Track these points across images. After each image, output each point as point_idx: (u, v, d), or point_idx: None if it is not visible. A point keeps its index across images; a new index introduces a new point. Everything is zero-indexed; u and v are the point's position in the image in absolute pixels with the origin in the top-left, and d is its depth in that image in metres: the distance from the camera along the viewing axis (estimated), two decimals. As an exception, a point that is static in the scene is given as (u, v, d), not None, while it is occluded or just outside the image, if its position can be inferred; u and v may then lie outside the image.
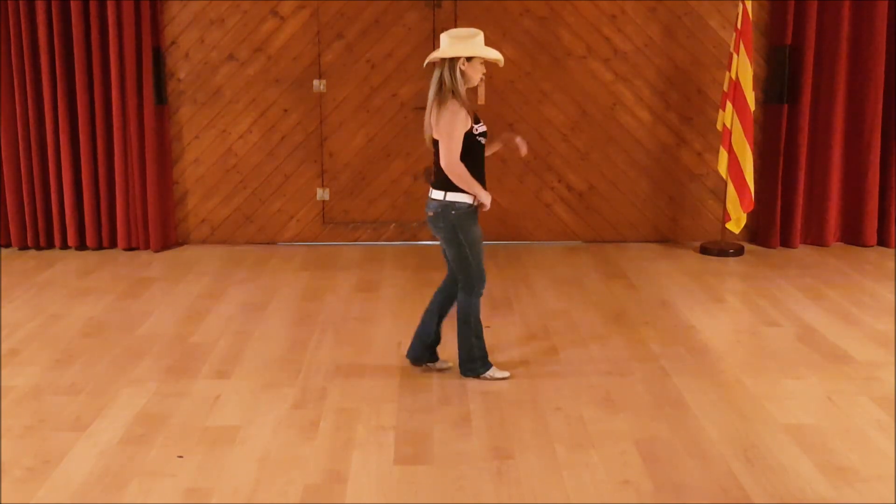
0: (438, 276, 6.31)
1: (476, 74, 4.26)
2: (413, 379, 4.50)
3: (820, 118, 6.99)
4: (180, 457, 3.70)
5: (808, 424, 3.97)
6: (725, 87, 6.65)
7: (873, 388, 4.37)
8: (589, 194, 7.25)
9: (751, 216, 7.10)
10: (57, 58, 6.72)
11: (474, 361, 4.45)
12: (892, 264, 6.63)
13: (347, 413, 4.11)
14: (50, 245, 7.12)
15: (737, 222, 6.78)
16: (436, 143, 4.25)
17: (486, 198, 4.25)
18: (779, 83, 6.93)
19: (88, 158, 6.89)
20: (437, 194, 4.28)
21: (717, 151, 6.89)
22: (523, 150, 4.48)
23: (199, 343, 5.04)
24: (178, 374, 4.58)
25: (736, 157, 6.63)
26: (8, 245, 7.12)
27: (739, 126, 6.56)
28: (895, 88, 6.95)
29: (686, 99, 7.11)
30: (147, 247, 7.07)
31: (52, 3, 6.67)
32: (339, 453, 3.73)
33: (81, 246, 7.10)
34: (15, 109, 6.85)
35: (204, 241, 7.29)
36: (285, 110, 7.09)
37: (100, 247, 7.11)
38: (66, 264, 6.70)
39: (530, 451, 3.74)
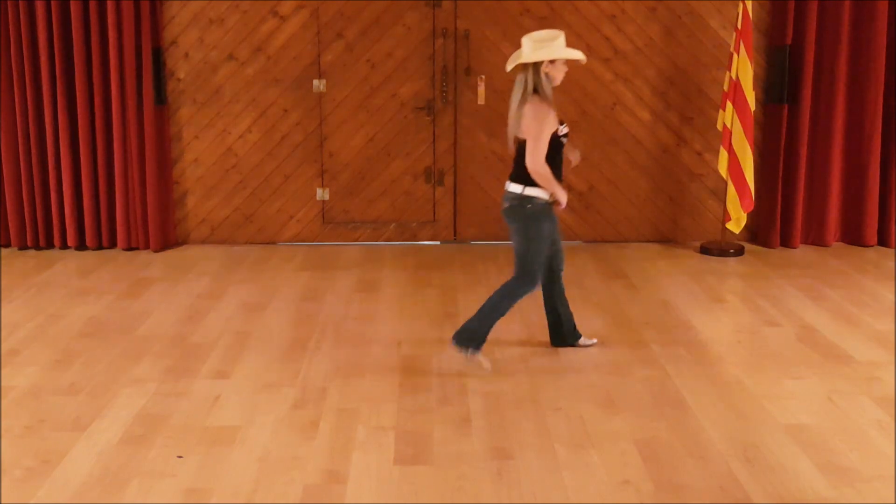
0: (438, 276, 6.36)
1: (560, 74, 4.46)
2: (413, 379, 4.50)
3: (820, 118, 6.99)
4: (180, 457, 3.70)
5: (808, 424, 3.97)
6: (725, 87, 6.64)
7: (873, 388, 4.37)
8: (589, 194, 7.25)
9: (751, 216, 7.10)
10: (57, 58, 6.71)
11: (473, 340, 4.50)
12: (892, 264, 6.63)
13: (347, 413, 4.11)
14: (50, 245, 7.12)
15: (737, 222, 6.78)
16: (519, 142, 4.40)
17: (563, 196, 4.42)
18: (779, 83, 6.93)
19: (88, 158, 6.88)
20: (515, 188, 4.43)
21: (717, 151, 6.89)
22: (574, 161, 4.76)
23: (199, 343, 5.04)
24: (177, 374, 4.58)
25: (736, 157, 6.63)
26: (8, 245, 7.12)
27: (739, 126, 6.55)
28: (895, 88, 6.96)
29: (686, 99, 7.11)
30: (147, 247, 7.07)
31: (52, 3, 6.66)
32: (338, 453, 3.73)
33: (81, 246, 7.10)
34: (15, 109, 6.84)
35: (204, 241, 7.29)
36: (285, 110, 7.09)
37: (99, 247, 7.11)
38: (66, 264, 6.69)
39: (530, 451, 3.74)
